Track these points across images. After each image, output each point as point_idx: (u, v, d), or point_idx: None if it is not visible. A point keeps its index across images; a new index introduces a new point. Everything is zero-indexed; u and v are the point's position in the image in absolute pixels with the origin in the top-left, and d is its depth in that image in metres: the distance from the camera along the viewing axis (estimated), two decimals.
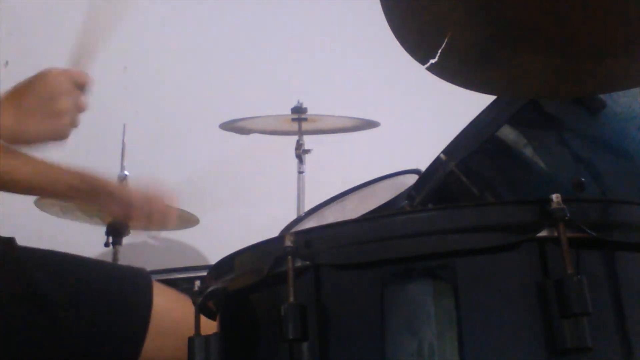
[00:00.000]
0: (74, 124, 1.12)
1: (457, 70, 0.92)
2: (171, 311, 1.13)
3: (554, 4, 0.85)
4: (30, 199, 2.11)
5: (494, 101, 1.03)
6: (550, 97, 0.98)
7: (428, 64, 0.88)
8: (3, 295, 1.03)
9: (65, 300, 1.07)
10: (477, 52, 0.91)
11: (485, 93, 0.96)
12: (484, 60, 0.92)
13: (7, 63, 2.38)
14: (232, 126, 2.48)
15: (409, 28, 0.91)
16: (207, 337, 0.83)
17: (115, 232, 2.19)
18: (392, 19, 0.90)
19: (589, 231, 0.66)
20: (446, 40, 0.86)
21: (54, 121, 1.07)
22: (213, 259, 0.89)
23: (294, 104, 2.43)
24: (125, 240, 2.22)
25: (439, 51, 0.86)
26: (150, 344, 1.11)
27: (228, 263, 0.83)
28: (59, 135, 1.10)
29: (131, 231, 1.48)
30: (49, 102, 1.06)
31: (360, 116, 2.47)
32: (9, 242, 1.12)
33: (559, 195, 0.67)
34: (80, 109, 1.12)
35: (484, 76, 0.94)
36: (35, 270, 1.08)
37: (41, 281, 1.07)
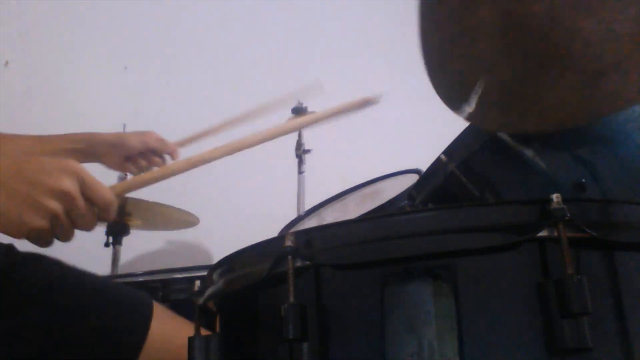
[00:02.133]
0: (60, 234, 0.90)
1: (493, 114, 0.92)
2: (168, 342, 1.10)
3: (575, 25, 0.84)
4: None
5: None
6: (580, 123, 0.96)
7: (465, 114, 0.88)
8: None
9: (58, 313, 1.05)
10: (511, 92, 0.91)
11: (524, 132, 0.95)
12: (519, 99, 0.91)
13: (7, 63, 2.38)
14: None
15: (448, 75, 0.91)
16: (207, 337, 0.83)
17: (116, 232, 2.20)
18: (431, 68, 0.90)
19: (589, 231, 0.66)
20: (482, 84, 0.86)
21: (32, 216, 0.85)
22: (213, 259, 0.89)
23: (294, 104, 2.43)
24: (125, 240, 2.22)
25: (476, 95, 0.86)
26: None
27: (228, 263, 0.83)
28: (34, 237, 0.88)
29: (131, 175, 1.45)
30: (33, 188, 0.85)
31: (360, 116, 2.47)
32: (9, 248, 1.11)
33: (559, 195, 0.67)
34: (77, 221, 0.90)
35: (520, 116, 0.94)
36: (33, 279, 1.07)
37: (37, 292, 1.06)
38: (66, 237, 0.91)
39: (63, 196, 0.86)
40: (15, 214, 0.84)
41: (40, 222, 0.86)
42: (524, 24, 0.85)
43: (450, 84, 0.93)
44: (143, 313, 1.12)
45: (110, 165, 1.38)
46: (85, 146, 1.31)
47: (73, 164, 0.89)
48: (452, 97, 0.93)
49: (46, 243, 0.90)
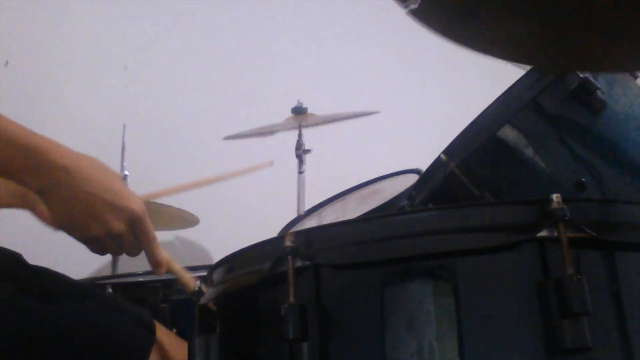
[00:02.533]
0: (112, 251, 1.00)
1: (437, 18, 0.89)
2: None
3: None
4: None
5: (495, 101, 1.03)
6: (529, 64, 0.95)
7: (408, 8, 0.86)
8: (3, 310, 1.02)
9: (60, 328, 1.05)
10: (459, 3, 0.88)
11: (465, 47, 0.93)
12: (467, 13, 0.89)
13: (7, 63, 2.38)
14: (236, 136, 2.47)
15: None
16: (207, 337, 0.83)
17: None
18: None
19: (589, 231, 0.66)
20: None
21: (90, 234, 0.95)
22: (213, 259, 0.89)
23: (294, 104, 2.43)
24: None
25: None
26: None
27: (228, 263, 0.83)
28: (94, 248, 0.99)
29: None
30: (87, 218, 0.94)
31: (360, 115, 2.48)
32: (17, 258, 1.11)
33: (559, 195, 0.67)
34: (120, 246, 0.99)
35: (464, 30, 0.91)
36: (38, 292, 1.07)
37: (41, 305, 1.05)
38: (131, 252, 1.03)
39: (114, 235, 0.96)
40: (82, 224, 0.94)
41: (99, 234, 0.96)
42: None
43: None
44: (145, 334, 1.12)
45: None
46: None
47: (138, 206, 0.97)
48: None
49: (102, 251, 0.99)
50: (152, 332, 1.12)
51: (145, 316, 1.15)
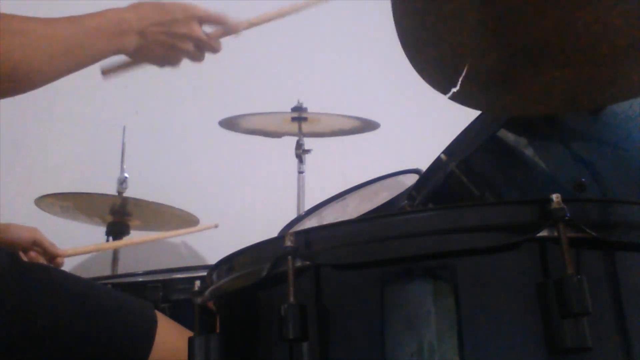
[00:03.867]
0: (194, 57, 1.22)
1: (479, 95, 0.92)
2: (171, 352, 1.10)
3: (568, 17, 0.84)
4: (30, 199, 2.11)
5: None
6: (571, 110, 0.97)
7: (450, 94, 0.88)
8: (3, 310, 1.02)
9: (62, 323, 1.05)
10: (497, 76, 0.91)
11: (510, 115, 0.96)
12: (505, 83, 0.92)
13: None
14: (232, 123, 2.48)
15: (427, 59, 0.91)
16: (207, 337, 0.83)
17: (116, 232, 2.20)
18: (409, 51, 0.90)
19: (589, 231, 0.66)
20: (466, 68, 0.86)
21: (170, 53, 1.20)
22: (213, 259, 0.89)
23: (294, 104, 2.43)
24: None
25: (460, 79, 0.87)
26: None
27: (228, 263, 0.83)
28: (171, 63, 1.23)
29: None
30: (170, 37, 1.17)
31: (361, 116, 2.47)
32: (13, 257, 1.10)
33: (559, 195, 0.67)
34: (203, 45, 1.22)
35: (506, 98, 0.94)
36: (37, 288, 1.07)
37: (41, 300, 1.05)
38: (199, 59, 1.26)
39: (195, 40, 1.21)
40: (159, 54, 1.20)
41: (178, 59, 1.24)
42: (505, 14, 0.85)
43: (431, 67, 0.92)
44: (147, 326, 1.12)
45: None
46: None
47: (196, 10, 1.20)
48: (434, 78, 0.92)
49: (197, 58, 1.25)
50: (154, 321, 1.13)
51: (146, 306, 1.16)
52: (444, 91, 0.90)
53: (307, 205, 2.20)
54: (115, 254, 2.19)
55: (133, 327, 1.12)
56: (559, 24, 0.85)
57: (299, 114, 2.40)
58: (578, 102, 0.94)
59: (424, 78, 0.92)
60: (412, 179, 1.48)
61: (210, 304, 0.87)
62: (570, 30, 0.85)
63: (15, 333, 1.02)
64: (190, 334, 0.84)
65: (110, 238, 2.18)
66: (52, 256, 1.45)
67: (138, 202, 2.15)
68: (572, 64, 0.88)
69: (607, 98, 0.94)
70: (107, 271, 2.16)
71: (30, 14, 1.01)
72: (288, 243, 0.72)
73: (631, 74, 0.89)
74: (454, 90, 0.87)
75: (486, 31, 0.88)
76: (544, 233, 0.66)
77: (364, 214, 1.44)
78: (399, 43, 0.91)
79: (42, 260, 1.43)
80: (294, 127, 2.43)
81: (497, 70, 0.91)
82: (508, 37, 0.88)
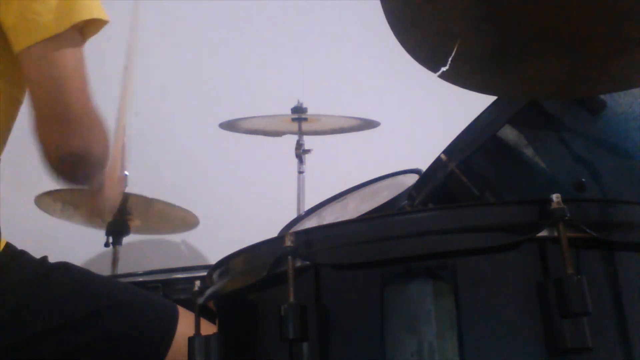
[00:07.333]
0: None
1: (468, 75, 0.92)
2: None
3: (562, 5, 0.84)
4: (30, 199, 2.11)
5: (495, 101, 1.03)
6: (561, 98, 0.97)
7: (439, 72, 0.88)
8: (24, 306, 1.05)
9: (84, 319, 1.09)
10: (487, 58, 0.91)
11: (498, 96, 0.96)
12: (495, 65, 0.92)
13: None
14: (232, 125, 2.48)
15: (416, 39, 0.91)
16: (207, 337, 0.83)
17: (115, 232, 2.20)
18: (398, 31, 0.90)
19: (589, 231, 0.66)
20: (455, 48, 0.86)
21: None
22: (213, 259, 0.89)
23: (294, 104, 2.43)
24: (125, 240, 2.22)
25: (450, 59, 0.86)
26: None
27: (228, 263, 0.83)
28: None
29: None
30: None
31: (361, 116, 2.48)
32: (37, 261, 1.13)
33: (559, 195, 0.67)
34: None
35: (496, 80, 0.94)
36: (62, 286, 1.10)
37: (65, 298, 1.09)
38: None
39: None
40: None
41: None
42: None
43: (420, 47, 0.92)
44: (168, 321, 1.14)
45: None
46: None
47: None
48: (424, 59, 0.92)
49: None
50: (175, 316, 1.15)
51: (167, 302, 1.20)
52: (434, 70, 0.89)
53: (307, 205, 2.20)
54: (115, 254, 2.19)
55: (154, 322, 1.15)
56: (553, 9, 0.85)
57: (299, 115, 2.40)
58: (570, 90, 0.93)
59: (413, 56, 0.92)
60: (412, 179, 1.48)
61: (210, 304, 0.87)
62: (564, 16, 0.85)
63: (40, 331, 1.05)
64: (214, 329, 0.85)
65: (111, 238, 2.18)
66: None
67: (138, 202, 2.15)
68: (565, 51, 0.88)
69: (599, 88, 0.94)
70: (107, 271, 2.16)
71: None
72: (288, 243, 0.72)
73: (625, 65, 0.89)
74: (443, 69, 0.87)
75: (478, 14, 0.88)
76: (544, 233, 0.66)
77: (364, 214, 1.44)
78: (388, 24, 0.90)
79: None
80: (294, 126, 2.43)
81: (486, 52, 0.91)
82: (497, 21, 0.88)
